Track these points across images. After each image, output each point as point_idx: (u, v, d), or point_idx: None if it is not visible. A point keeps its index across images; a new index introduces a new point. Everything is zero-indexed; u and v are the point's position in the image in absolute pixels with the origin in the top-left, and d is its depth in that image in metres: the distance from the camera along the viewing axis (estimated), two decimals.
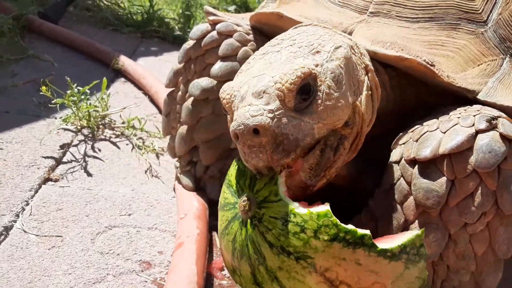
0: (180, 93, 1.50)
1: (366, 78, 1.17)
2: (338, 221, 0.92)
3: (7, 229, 1.30)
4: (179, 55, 1.47)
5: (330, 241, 0.91)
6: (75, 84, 1.85)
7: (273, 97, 0.95)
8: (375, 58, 1.31)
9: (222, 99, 1.01)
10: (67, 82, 1.83)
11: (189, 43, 1.44)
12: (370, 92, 1.17)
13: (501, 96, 1.27)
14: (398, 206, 1.15)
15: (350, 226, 0.93)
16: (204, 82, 1.41)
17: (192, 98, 1.43)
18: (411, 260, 0.98)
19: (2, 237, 1.28)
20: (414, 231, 1.01)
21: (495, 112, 1.17)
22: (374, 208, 1.22)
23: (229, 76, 1.37)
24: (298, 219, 0.92)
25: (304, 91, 0.97)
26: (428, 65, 1.25)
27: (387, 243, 0.97)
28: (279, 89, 0.95)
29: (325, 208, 0.93)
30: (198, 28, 1.42)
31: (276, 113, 0.94)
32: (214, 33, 1.40)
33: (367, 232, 0.93)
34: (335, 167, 1.08)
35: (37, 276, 1.16)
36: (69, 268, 1.21)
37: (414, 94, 1.42)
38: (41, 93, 1.82)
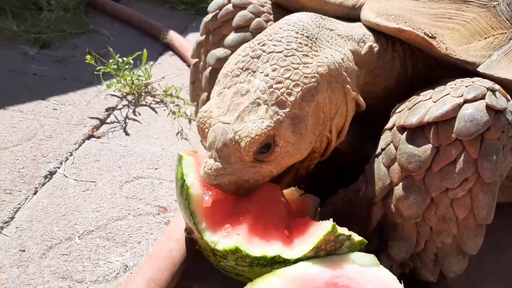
0: (202, 63, 1.65)
1: (343, 102, 1.20)
2: (248, 252, 1.02)
3: (52, 173, 1.56)
4: (200, 28, 1.61)
5: (249, 266, 1.04)
6: (118, 55, 2.07)
7: (233, 156, 1.05)
8: (379, 30, 1.37)
9: (197, 122, 1.13)
10: (110, 53, 2.06)
11: (208, 16, 1.57)
12: (345, 113, 1.22)
13: (501, 69, 1.27)
14: (385, 169, 1.21)
15: (261, 252, 1.02)
16: (219, 52, 1.52)
17: (210, 68, 1.57)
18: (333, 250, 1.06)
19: (47, 179, 1.53)
20: (328, 224, 1.04)
21: (489, 84, 1.18)
22: (367, 172, 1.30)
23: (241, 45, 1.48)
24: (220, 253, 1.04)
25: (263, 147, 1.06)
26: (426, 37, 1.28)
27: (302, 242, 1.06)
28: (238, 149, 1.05)
29: (233, 244, 1.02)
30: (215, 2, 1.54)
31: (236, 169, 1.06)
32: (229, 5, 1.51)
33: (277, 253, 1.02)
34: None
35: (70, 211, 1.40)
36: (98, 207, 1.43)
37: (424, 67, 1.45)
38: (87, 62, 2.06)
